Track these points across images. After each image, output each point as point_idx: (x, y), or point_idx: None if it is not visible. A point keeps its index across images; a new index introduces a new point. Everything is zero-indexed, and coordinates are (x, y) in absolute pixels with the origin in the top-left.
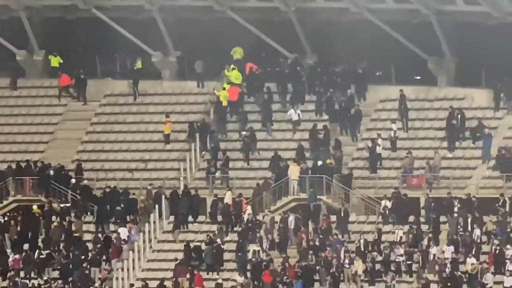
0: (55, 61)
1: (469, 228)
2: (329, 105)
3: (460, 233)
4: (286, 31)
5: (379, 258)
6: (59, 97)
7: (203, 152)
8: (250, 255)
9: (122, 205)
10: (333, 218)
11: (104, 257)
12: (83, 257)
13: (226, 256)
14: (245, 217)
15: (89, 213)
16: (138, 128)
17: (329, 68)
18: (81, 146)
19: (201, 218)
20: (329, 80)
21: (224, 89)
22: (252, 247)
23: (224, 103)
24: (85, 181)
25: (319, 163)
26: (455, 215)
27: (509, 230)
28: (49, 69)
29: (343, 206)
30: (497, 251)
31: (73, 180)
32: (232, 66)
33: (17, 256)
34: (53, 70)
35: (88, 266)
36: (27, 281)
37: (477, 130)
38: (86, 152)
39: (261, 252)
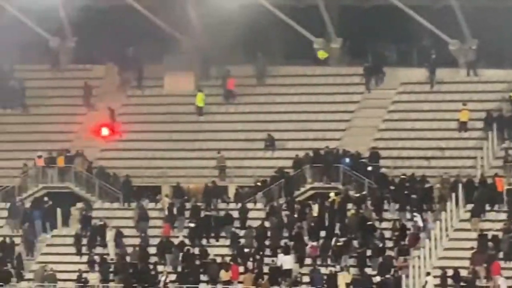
0: (322, 54)
1: None
2: None
3: None
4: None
5: None
6: (227, 98)
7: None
8: None
9: (418, 194)
10: None
11: (400, 245)
12: (381, 245)
13: None
14: None
15: (385, 201)
16: (434, 116)
17: None
18: (378, 134)
19: (497, 207)
20: None
21: None
22: None
23: None
24: (383, 169)
25: None
26: None
27: None
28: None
29: None
30: None
31: (369, 168)
32: None
33: (314, 243)
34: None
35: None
36: (323, 268)
37: None
38: (383, 140)
39: None
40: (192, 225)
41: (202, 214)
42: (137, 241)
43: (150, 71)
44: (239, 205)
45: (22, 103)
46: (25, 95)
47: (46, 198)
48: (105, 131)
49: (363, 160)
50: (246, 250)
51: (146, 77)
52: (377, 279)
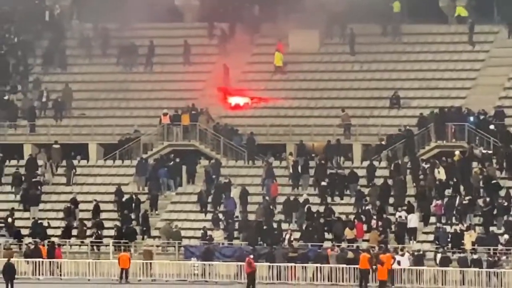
0: (461, 10)
1: None
2: None
3: None
4: None
5: None
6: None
7: None
8: None
9: None
10: None
11: None
12: (506, 204)
13: None
14: None
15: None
16: None
17: None
18: (503, 92)
19: None
20: None
21: None
22: None
23: None
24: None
25: None
26: None
27: None
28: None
29: None
30: None
31: (491, 126)
32: None
33: (439, 201)
34: (462, 19)
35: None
36: (448, 227)
37: None
38: (508, 99)
39: None
40: (324, 183)
41: (328, 172)
42: (262, 199)
43: (274, 29)
44: (364, 163)
45: (148, 61)
46: (153, 53)
47: (172, 155)
48: (233, 100)
49: (488, 118)
50: (369, 207)
51: (271, 36)
52: (505, 237)
